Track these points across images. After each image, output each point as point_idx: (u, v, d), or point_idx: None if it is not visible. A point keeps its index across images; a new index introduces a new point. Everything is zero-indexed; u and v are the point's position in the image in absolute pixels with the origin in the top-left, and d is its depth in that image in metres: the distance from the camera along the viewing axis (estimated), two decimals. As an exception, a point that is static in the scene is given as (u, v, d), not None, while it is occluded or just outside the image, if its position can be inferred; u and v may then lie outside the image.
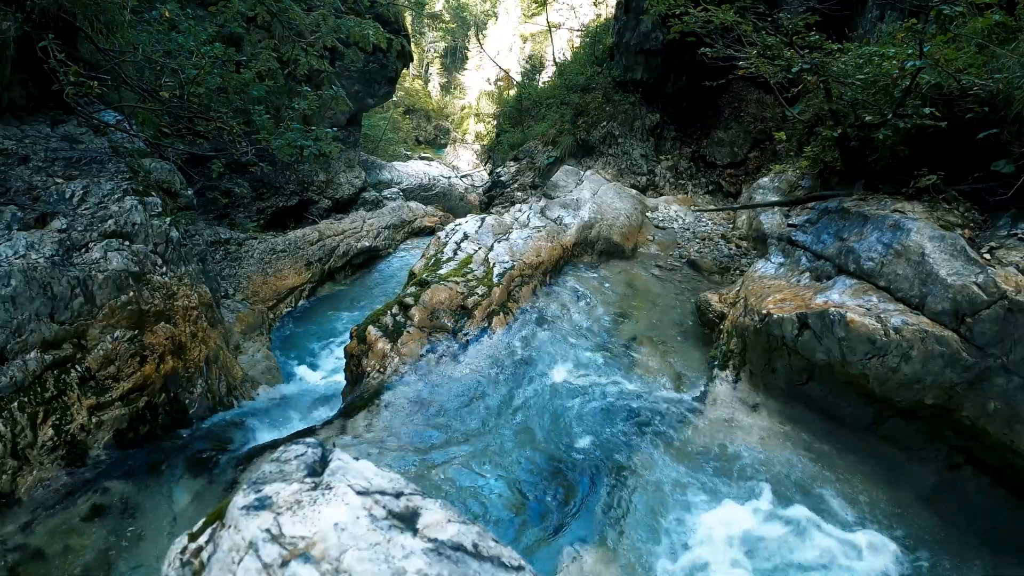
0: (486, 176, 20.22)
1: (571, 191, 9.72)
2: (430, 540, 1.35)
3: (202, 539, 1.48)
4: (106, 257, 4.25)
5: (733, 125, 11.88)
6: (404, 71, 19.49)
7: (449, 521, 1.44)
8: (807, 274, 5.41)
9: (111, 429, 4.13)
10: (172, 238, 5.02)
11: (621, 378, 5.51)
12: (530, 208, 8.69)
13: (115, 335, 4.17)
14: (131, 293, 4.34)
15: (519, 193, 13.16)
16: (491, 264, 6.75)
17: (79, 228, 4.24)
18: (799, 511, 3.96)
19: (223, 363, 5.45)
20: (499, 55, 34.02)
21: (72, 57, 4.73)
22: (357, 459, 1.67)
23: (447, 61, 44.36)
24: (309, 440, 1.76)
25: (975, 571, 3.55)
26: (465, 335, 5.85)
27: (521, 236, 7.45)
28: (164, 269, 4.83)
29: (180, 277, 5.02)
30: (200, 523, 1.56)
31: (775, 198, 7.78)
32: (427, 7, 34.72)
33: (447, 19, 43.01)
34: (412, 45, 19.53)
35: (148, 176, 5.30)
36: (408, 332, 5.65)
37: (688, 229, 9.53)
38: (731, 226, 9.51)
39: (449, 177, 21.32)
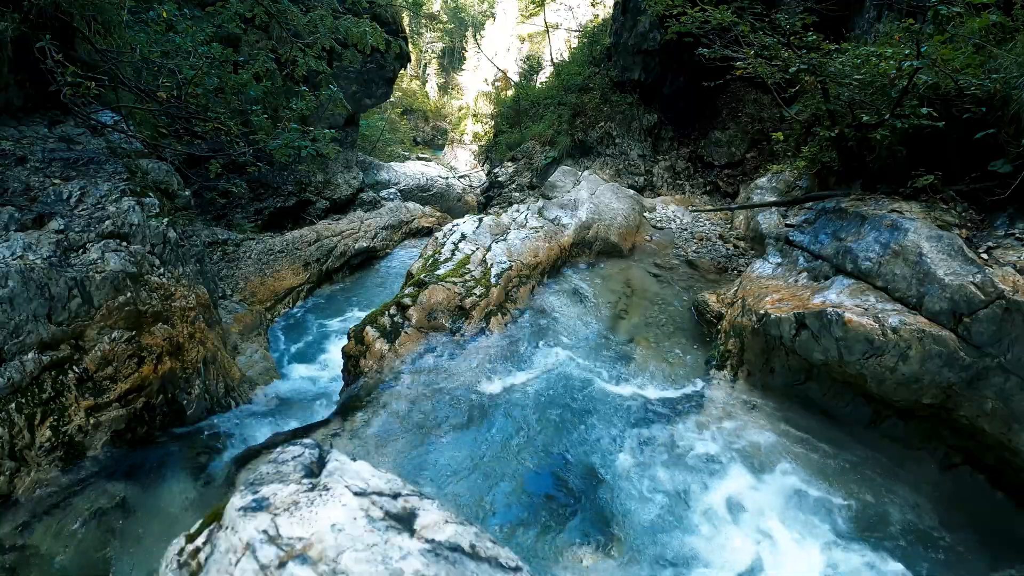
0: (483, 177, 20.22)
1: (569, 191, 9.73)
2: (427, 541, 1.35)
3: (200, 540, 1.48)
4: (103, 258, 4.24)
5: (731, 125, 11.90)
6: (402, 72, 19.48)
7: (446, 522, 1.44)
8: (805, 274, 5.41)
9: (109, 430, 4.12)
10: (170, 239, 5.01)
11: (619, 378, 5.51)
12: (528, 208, 8.69)
13: (113, 336, 4.16)
14: (129, 294, 4.33)
15: (517, 193, 13.17)
16: (488, 264, 6.75)
17: (76, 229, 4.23)
18: (798, 511, 3.96)
19: (221, 364, 5.44)
20: (497, 56, 34.02)
21: (69, 57, 4.72)
22: (354, 460, 1.67)
23: (445, 62, 44.40)
24: (306, 441, 1.76)
25: (973, 571, 3.55)
26: (463, 335, 5.85)
27: (519, 236, 7.45)
28: (162, 270, 4.82)
29: (178, 278, 5.01)
30: (198, 524, 1.56)
31: (773, 198, 7.80)
32: (424, 7, 34.75)
33: (444, 20, 43.04)
34: (410, 46, 19.52)
35: (145, 177, 5.29)
36: (406, 332, 5.65)
37: (686, 229, 9.54)
38: (729, 226, 9.52)
39: (447, 178, 21.29)
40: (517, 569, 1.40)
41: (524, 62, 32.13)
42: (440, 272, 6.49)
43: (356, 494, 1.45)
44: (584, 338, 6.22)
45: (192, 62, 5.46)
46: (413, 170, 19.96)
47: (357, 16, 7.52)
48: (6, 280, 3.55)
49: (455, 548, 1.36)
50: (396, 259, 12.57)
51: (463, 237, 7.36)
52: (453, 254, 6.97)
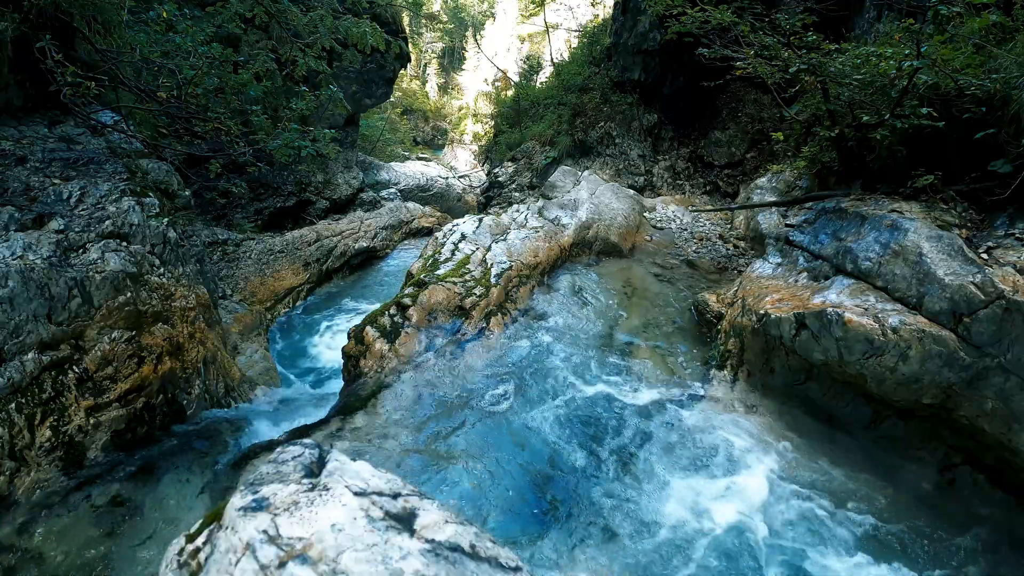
0: (483, 177, 20.22)
1: (569, 191, 9.73)
2: (427, 541, 1.35)
3: (199, 540, 1.48)
4: (104, 258, 4.24)
5: (731, 125, 11.90)
6: (402, 72, 19.48)
7: (446, 522, 1.44)
8: (805, 274, 5.41)
9: (109, 430, 4.12)
10: (170, 239, 5.01)
11: (618, 378, 5.51)
12: (528, 208, 8.69)
13: (113, 336, 4.16)
14: (129, 294, 4.33)
15: (517, 193, 13.18)
16: (488, 264, 6.75)
17: (76, 229, 4.23)
18: (796, 511, 3.96)
19: (221, 364, 5.44)
20: (497, 56, 34.02)
21: (69, 57, 4.72)
22: (354, 460, 1.67)
23: (445, 62, 44.42)
24: (306, 441, 1.76)
25: (972, 571, 3.55)
26: (463, 335, 5.85)
27: (519, 236, 7.45)
28: (162, 270, 4.82)
29: (178, 278, 5.01)
30: (197, 524, 1.56)
31: (772, 198, 7.79)
32: (424, 7, 34.75)
33: (444, 20, 43.05)
34: (410, 46, 19.53)
35: (145, 177, 5.29)
36: (406, 332, 5.65)
37: (686, 229, 9.54)
38: (729, 226, 9.52)
39: (447, 178, 21.31)
40: (517, 569, 1.39)
41: (524, 62, 32.14)
42: (440, 272, 6.49)
43: (356, 494, 1.45)
44: (584, 338, 6.22)
45: (192, 62, 5.46)
46: (413, 170, 19.98)
47: (357, 16, 7.53)
48: (6, 280, 3.55)
49: (455, 548, 1.36)
50: (396, 259, 12.59)
51: (463, 237, 7.36)
52: (453, 254, 6.97)
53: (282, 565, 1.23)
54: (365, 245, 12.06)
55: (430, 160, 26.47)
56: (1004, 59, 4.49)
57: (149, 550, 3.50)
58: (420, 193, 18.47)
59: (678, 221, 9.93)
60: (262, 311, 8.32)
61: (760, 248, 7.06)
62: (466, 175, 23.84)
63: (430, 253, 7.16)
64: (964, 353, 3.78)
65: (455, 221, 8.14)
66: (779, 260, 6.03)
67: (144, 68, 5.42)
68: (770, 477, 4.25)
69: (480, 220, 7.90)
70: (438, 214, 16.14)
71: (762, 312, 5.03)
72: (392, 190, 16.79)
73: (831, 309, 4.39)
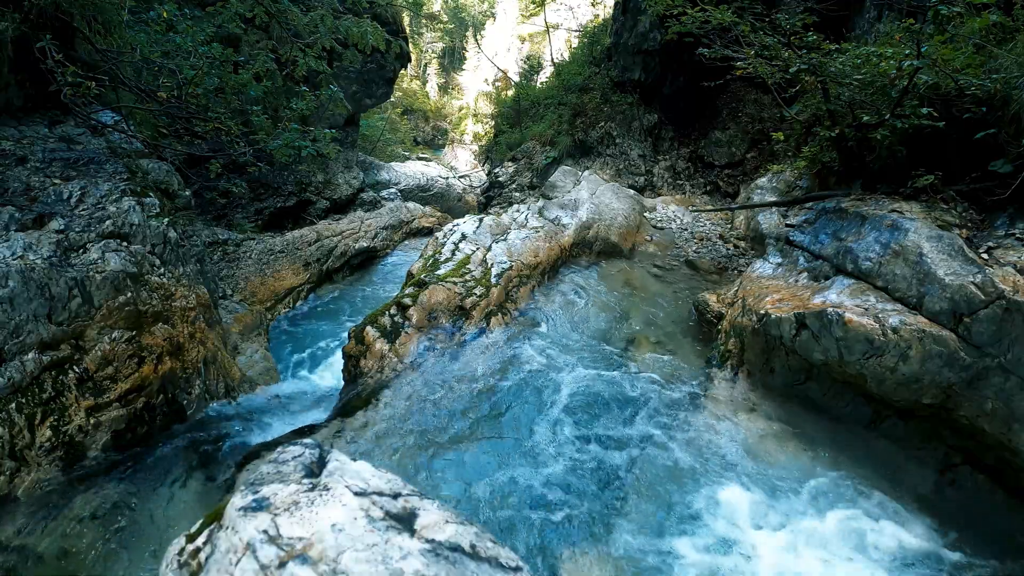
0: (484, 177, 20.22)
1: (569, 191, 9.73)
2: (427, 541, 1.35)
3: (200, 540, 1.48)
4: (104, 258, 4.24)
5: (731, 125, 11.89)
6: (402, 72, 19.48)
7: (447, 522, 1.44)
8: (805, 274, 5.41)
9: (109, 430, 4.12)
10: (170, 239, 5.01)
11: (619, 378, 5.51)
12: (528, 208, 8.69)
13: (113, 336, 4.17)
14: (129, 294, 4.33)
15: (517, 193, 13.17)
16: (489, 264, 6.74)
17: (77, 229, 4.23)
18: (796, 512, 3.96)
19: (221, 364, 5.44)
20: (497, 55, 34.04)
21: (70, 57, 4.72)
22: (355, 460, 1.67)
23: (445, 62, 44.44)
24: (307, 441, 1.76)
25: (972, 571, 3.55)
26: (463, 335, 5.85)
27: (519, 236, 7.45)
28: (162, 270, 4.83)
29: (178, 278, 5.01)
30: (198, 524, 1.56)
31: (773, 198, 7.80)
32: (424, 7, 34.76)
33: (444, 20, 43.07)
34: (410, 46, 19.53)
35: (146, 177, 5.30)
36: (406, 332, 5.65)
37: (686, 229, 9.54)
38: (729, 226, 9.52)
39: (447, 178, 21.30)
40: (517, 569, 1.40)
41: (524, 62, 32.13)
42: (440, 272, 6.49)
43: (356, 494, 1.46)
44: (584, 338, 6.22)
45: (192, 62, 5.46)
46: (413, 170, 19.97)
47: (357, 16, 7.53)
48: (6, 280, 3.56)
49: (455, 548, 1.36)
50: (396, 259, 12.58)
51: (463, 237, 7.35)
52: (453, 254, 6.97)
53: (282, 565, 1.23)
54: (365, 245, 12.05)
55: (430, 160, 26.45)
56: (1004, 59, 4.49)
57: (149, 550, 3.50)
58: (420, 193, 18.46)
59: (678, 221, 9.92)
60: (262, 311, 8.31)
61: (760, 248, 7.06)
62: (466, 175, 23.84)
63: (430, 253, 7.15)
64: (964, 353, 3.78)
65: (455, 221, 8.14)
66: (779, 260, 6.03)
67: (144, 68, 5.42)
68: (767, 477, 4.25)
69: (480, 220, 7.89)
70: (438, 214, 16.13)
71: (762, 312, 5.03)
72: (392, 190, 16.78)
73: (831, 309, 4.39)
